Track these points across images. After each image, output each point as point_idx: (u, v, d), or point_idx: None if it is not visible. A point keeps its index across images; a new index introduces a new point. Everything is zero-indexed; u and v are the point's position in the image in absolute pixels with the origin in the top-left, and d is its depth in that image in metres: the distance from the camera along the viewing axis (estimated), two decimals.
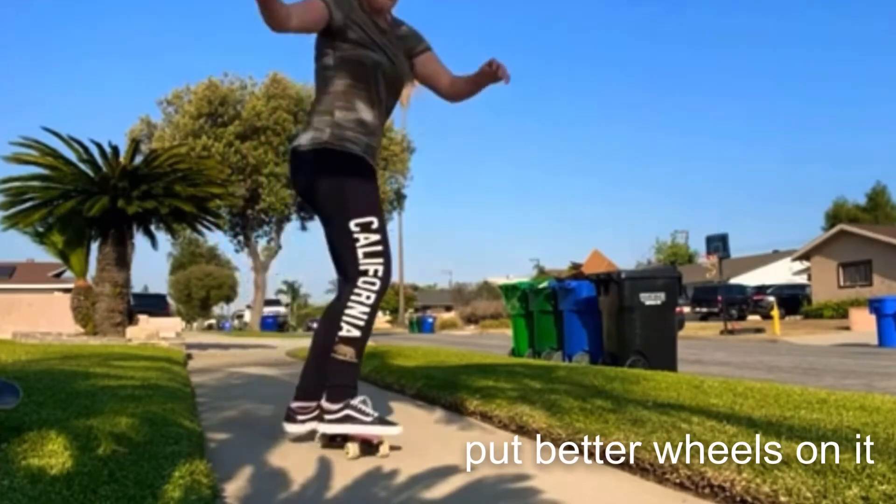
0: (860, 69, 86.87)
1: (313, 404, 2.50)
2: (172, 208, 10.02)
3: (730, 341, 17.93)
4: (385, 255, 2.38)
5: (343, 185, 2.38)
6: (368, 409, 2.35)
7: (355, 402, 2.35)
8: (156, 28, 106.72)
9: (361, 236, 2.35)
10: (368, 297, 2.34)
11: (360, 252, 2.35)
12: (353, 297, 2.35)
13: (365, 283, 2.35)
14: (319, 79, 2.48)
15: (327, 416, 2.36)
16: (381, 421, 2.35)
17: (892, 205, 41.16)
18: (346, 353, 2.35)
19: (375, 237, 2.36)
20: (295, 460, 2.25)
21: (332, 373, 2.37)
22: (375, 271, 2.35)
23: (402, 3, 2.57)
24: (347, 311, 2.35)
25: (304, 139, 2.42)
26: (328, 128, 2.39)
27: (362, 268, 2.35)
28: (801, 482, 1.61)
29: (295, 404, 2.56)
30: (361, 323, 2.35)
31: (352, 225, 2.35)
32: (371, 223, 2.36)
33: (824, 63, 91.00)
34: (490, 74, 2.41)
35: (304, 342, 13.59)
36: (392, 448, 2.36)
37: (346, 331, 2.35)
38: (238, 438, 2.79)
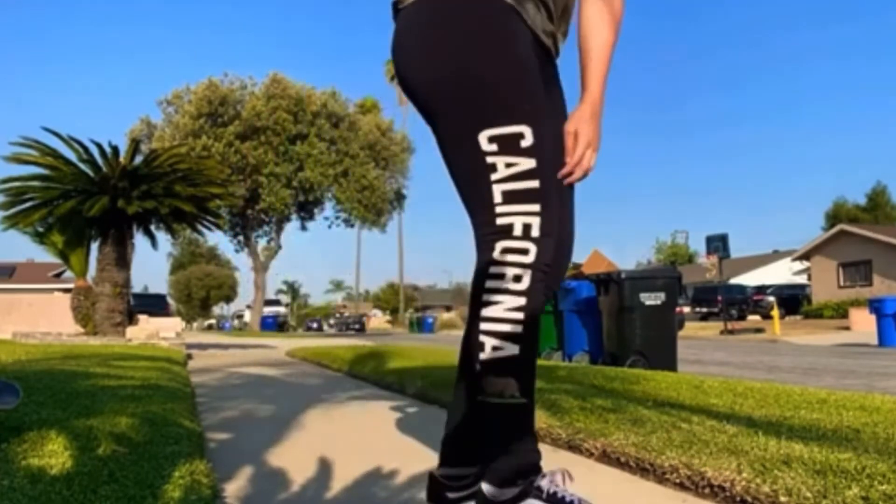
0: (860, 70, 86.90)
1: (472, 472, 1.46)
2: (172, 208, 10.03)
3: (730, 341, 17.93)
4: (544, 198, 1.32)
5: (470, 56, 1.33)
6: (562, 490, 1.37)
7: (544, 482, 1.36)
8: (156, 28, 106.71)
9: (500, 161, 1.31)
10: (518, 278, 1.30)
11: (496, 191, 1.32)
12: (490, 284, 1.32)
13: (508, 251, 1.31)
14: None
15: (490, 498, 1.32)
16: None
17: (892, 205, 41.18)
18: (500, 389, 1.30)
19: (528, 163, 1.31)
20: (295, 460, 2.25)
21: (489, 432, 1.34)
22: (526, 228, 1.31)
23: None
24: (487, 314, 1.32)
25: None
26: None
27: (500, 221, 1.32)
28: (801, 482, 1.61)
29: (441, 471, 1.50)
30: (514, 328, 1.30)
31: (482, 139, 1.32)
32: (519, 136, 1.31)
33: (825, 64, 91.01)
34: (569, 134, 1.44)
35: (303, 342, 13.59)
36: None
37: (491, 348, 1.30)
38: (238, 438, 2.79)
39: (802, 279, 36.32)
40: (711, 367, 8.27)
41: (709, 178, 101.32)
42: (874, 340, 14.28)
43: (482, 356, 1.31)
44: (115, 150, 10.06)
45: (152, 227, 11.25)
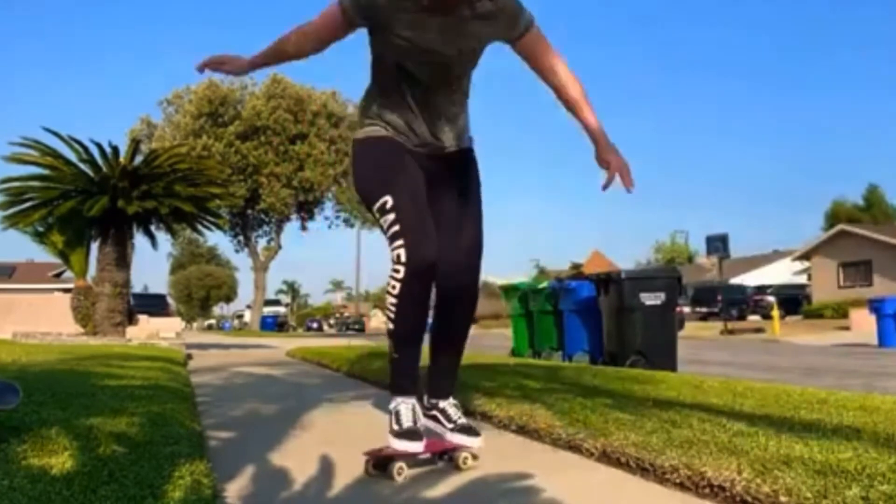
0: (859, 72, 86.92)
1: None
2: (172, 208, 10.03)
3: (730, 341, 17.93)
4: (404, 234, 2.00)
5: (358, 171, 2.19)
6: (406, 412, 2.13)
7: (394, 404, 2.15)
8: (156, 28, 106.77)
9: (382, 221, 2.06)
10: (394, 287, 2.02)
11: (388, 236, 2.05)
12: (387, 288, 2.09)
13: (392, 271, 2.03)
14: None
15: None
16: (406, 434, 2.06)
17: (887, 204, 41.38)
18: (389, 346, 2.17)
19: (391, 217, 2.02)
20: (296, 459, 2.25)
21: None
22: (397, 256, 2.00)
23: None
24: (386, 303, 2.12)
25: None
26: (362, 127, 2.23)
27: (392, 254, 2.03)
28: (801, 482, 1.61)
29: None
30: (390, 314, 2.08)
31: (374, 212, 2.10)
32: (384, 204, 2.04)
33: (823, 65, 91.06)
34: (605, 163, 2.15)
35: (304, 342, 13.59)
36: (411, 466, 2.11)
37: (385, 322, 2.17)
38: (240, 438, 2.79)
39: (802, 279, 36.32)
40: (711, 367, 8.27)
41: (709, 177, 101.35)
42: (874, 340, 14.27)
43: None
44: (115, 150, 10.07)
45: (152, 227, 11.25)
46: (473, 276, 2.25)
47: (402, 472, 1.99)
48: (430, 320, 2.24)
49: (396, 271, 2.01)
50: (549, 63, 2.12)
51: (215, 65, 2.23)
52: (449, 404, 2.25)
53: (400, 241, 2.00)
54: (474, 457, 2.14)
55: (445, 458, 2.17)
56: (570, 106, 2.15)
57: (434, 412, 2.25)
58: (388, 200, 2.04)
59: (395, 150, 2.14)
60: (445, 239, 2.14)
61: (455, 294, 2.23)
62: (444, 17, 1.97)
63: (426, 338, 2.23)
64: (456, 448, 2.14)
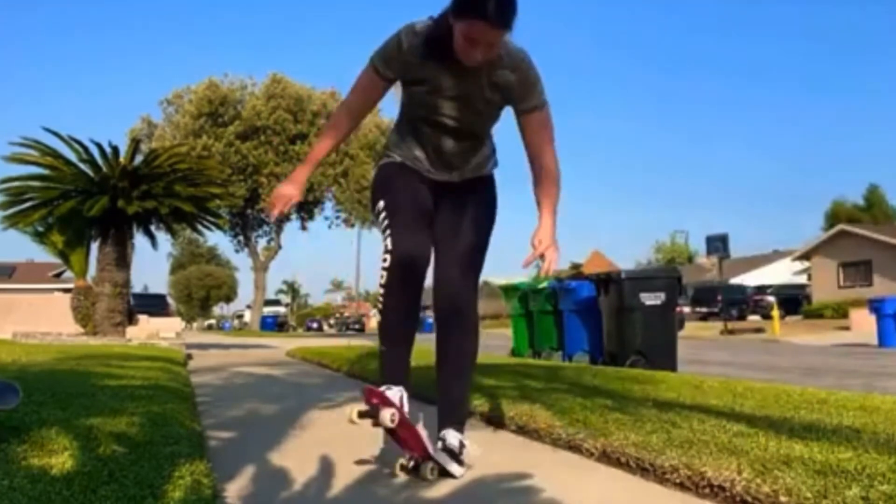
0: (858, 73, 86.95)
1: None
2: (172, 208, 10.03)
3: (730, 341, 17.93)
4: (392, 226, 2.17)
5: (371, 191, 2.42)
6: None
7: (382, 388, 2.12)
8: (156, 28, 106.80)
9: (380, 224, 2.25)
10: (382, 276, 2.14)
11: (381, 228, 2.23)
12: (379, 280, 2.18)
13: (381, 261, 2.16)
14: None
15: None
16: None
17: (887, 203, 41.40)
18: (379, 339, 2.27)
19: (383, 214, 2.23)
20: (296, 459, 2.25)
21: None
22: (385, 247, 2.16)
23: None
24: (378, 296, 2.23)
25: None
26: (385, 153, 2.43)
27: (383, 243, 2.19)
28: (801, 482, 1.61)
29: None
30: (380, 305, 2.19)
31: (377, 219, 2.29)
32: (380, 206, 2.26)
33: (823, 66, 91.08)
34: (537, 241, 2.20)
35: (304, 342, 13.59)
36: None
37: (376, 315, 2.32)
38: (240, 438, 2.79)
39: (802, 279, 36.30)
40: (711, 367, 8.27)
41: (709, 177, 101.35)
42: (874, 340, 14.27)
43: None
44: (115, 149, 10.06)
45: (152, 227, 11.25)
46: (466, 294, 2.26)
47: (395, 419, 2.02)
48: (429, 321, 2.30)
49: (384, 260, 2.14)
50: (540, 149, 2.23)
51: (286, 200, 2.35)
52: (452, 435, 2.13)
53: (388, 233, 2.17)
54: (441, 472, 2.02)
55: (412, 464, 2.07)
56: (537, 198, 2.25)
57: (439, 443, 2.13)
58: (382, 202, 2.24)
59: (403, 168, 2.31)
60: (444, 251, 2.27)
61: (448, 312, 2.27)
62: (464, 80, 2.10)
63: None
64: (432, 460, 2.04)
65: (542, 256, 2.18)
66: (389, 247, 2.13)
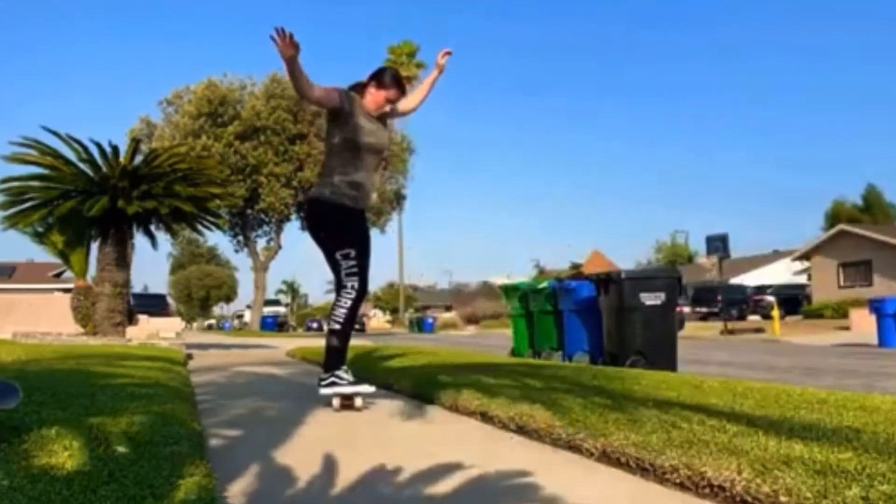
0: (857, 73, 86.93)
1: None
2: (172, 208, 10.02)
3: (730, 341, 17.93)
4: (359, 275, 3.45)
5: (333, 227, 3.49)
6: (347, 376, 3.45)
7: (340, 371, 3.46)
8: (156, 28, 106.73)
9: (343, 262, 3.44)
10: (345, 303, 3.46)
11: (343, 273, 3.44)
12: (337, 303, 3.48)
13: (345, 293, 3.46)
14: (326, 150, 3.64)
15: (321, 382, 3.50)
16: (355, 383, 3.47)
17: (886, 202, 41.38)
18: (332, 341, 3.50)
19: (352, 263, 3.44)
20: (297, 459, 2.25)
21: (325, 353, 3.56)
22: (352, 286, 3.46)
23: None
24: (333, 312, 3.48)
25: (313, 193, 3.60)
26: (327, 188, 3.51)
27: (344, 283, 3.45)
28: (801, 482, 1.61)
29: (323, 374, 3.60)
30: (342, 320, 3.46)
31: (338, 255, 3.45)
32: (349, 253, 3.44)
33: (822, 67, 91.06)
34: (440, 65, 3.77)
35: (303, 342, 13.59)
36: (366, 400, 3.54)
37: (333, 325, 3.49)
38: (240, 437, 2.79)
39: (802, 279, 36.30)
40: (711, 367, 8.27)
41: (709, 177, 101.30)
42: (874, 340, 14.27)
43: (328, 327, 3.57)
44: (115, 149, 10.06)
45: (152, 227, 11.24)
46: None
47: (362, 403, 3.49)
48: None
49: (350, 294, 3.46)
50: (413, 101, 3.93)
51: (290, 43, 3.09)
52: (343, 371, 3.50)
53: (356, 278, 3.46)
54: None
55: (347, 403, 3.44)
56: (421, 97, 3.94)
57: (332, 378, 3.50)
58: (352, 252, 3.46)
59: (356, 219, 3.57)
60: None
61: None
62: (380, 122, 3.65)
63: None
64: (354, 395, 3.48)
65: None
66: (356, 287, 3.45)
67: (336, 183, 3.47)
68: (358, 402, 3.44)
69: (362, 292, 3.46)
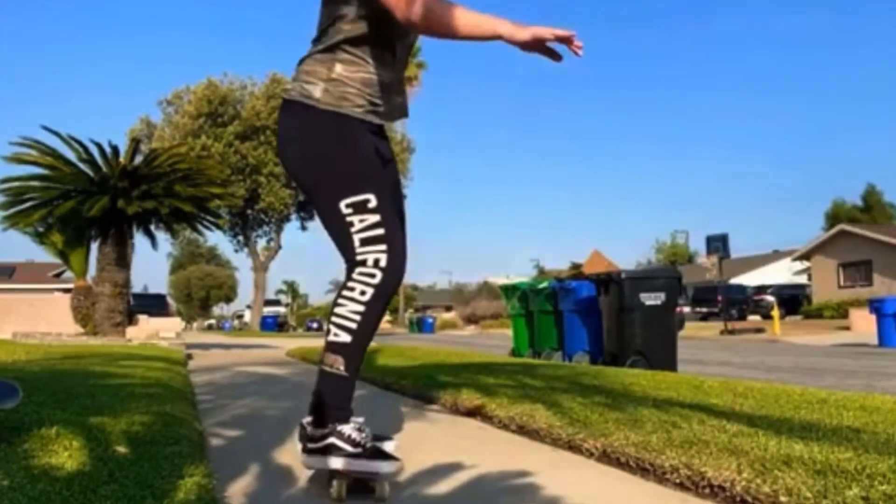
0: (857, 72, 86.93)
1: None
2: (172, 208, 10.03)
3: (730, 341, 17.93)
4: (388, 241, 1.85)
5: (330, 155, 1.91)
6: (361, 437, 1.80)
7: (346, 427, 1.81)
8: (156, 28, 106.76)
9: (356, 219, 1.86)
10: (363, 293, 1.83)
11: (356, 239, 1.86)
12: (343, 293, 1.86)
13: (361, 274, 1.84)
14: (323, 30, 1.96)
15: (309, 445, 1.85)
16: (375, 453, 1.79)
17: (887, 202, 41.42)
18: (332, 362, 1.85)
19: (374, 218, 1.85)
20: (298, 459, 2.25)
21: (318, 386, 1.88)
22: (376, 261, 1.83)
23: None
24: (336, 311, 1.86)
25: (290, 93, 1.98)
26: (319, 86, 1.92)
27: (359, 257, 1.85)
28: (801, 482, 1.61)
29: (306, 420, 1.92)
30: (352, 325, 1.83)
31: (342, 207, 1.86)
32: (365, 202, 1.85)
33: (823, 65, 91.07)
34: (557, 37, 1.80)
35: (303, 342, 13.60)
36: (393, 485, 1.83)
37: (334, 334, 1.85)
38: (241, 438, 2.79)
39: (802, 279, 36.32)
40: (711, 368, 8.28)
41: (709, 177, 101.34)
42: (874, 340, 14.27)
43: (328, 338, 1.87)
44: (115, 149, 10.07)
45: (152, 227, 11.25)
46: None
47: (387, 491, 1.78)
48: None
49: (371, 276, 1.83)
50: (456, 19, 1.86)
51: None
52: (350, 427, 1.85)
53: (383, 247, 1.85)
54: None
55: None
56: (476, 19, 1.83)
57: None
58: (371, 199, 1.86)
59: (370, 141, 1.97)
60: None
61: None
62: None
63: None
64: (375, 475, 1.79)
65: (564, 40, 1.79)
66: (384, 263, 1.84)
67: (337, 77, 1.92)
68: (381, 489, 1.77)
69: (393, 275, 1.86)
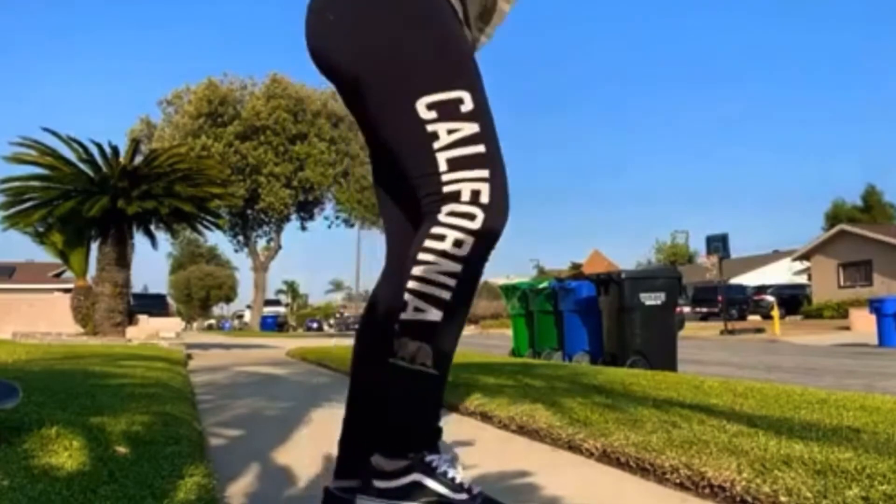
0: (857, 72, 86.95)
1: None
2: (172, 208, 10.04)
3: (730, 341, 17.93)
4: (492, 165, 1.23)
5: (401, 28, 1.25)
6: (460, 476, 1.26)
7: (437, 459, 1.25)
8: (156, 28, 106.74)
9: (442, 128, 1.21)
10: (459, 244, 1.19)
11: (440, 158, 1.21)
12: (427, 244, 1.21)
13: (453, 215, 1.21)
14: None
15: (378, 484, 1.23)
16: (480, 500, 1.26)
17: (886, 202, 41.44)
18: (413, 353, 1.20)
19: (471, 128, 1.22)
20: (298, 459, 2.25)
21: (390, 400, 1.25)
22: (475, 194, 1.21)
23: None
24: (415, 273, 1.21)
25: None
26: None
27: (447, 187, 1.21)
28: (801, 482, 1.60)
29: (335, 485, 1.43)
30: (444, 294, 1.19)
31: (420, 107, 1.21)
32: (459, 101, 1.22)
33: (822, 65, 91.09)
34: None
35: (304, 342, 13.60)
36: None
37: (414, 309, 1.20)
38: (241, 438, 2.79)
39: (802, 279, 36.33)
40: (711, 368, 8.27)
41: (709, 177, 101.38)
42: (874, 340, 14.27)
43: (403, 315, 1.21)
44: (115, 150, 10.08)
45: (152, 227, 11.26)
46: None
47: None
48: None
49: (470, 217, 1.20)
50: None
51: None
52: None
53: (483, 172, 1.22)
54: None
55: None
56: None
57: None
58: (468, 99, 1.23)
59: (460, 23, 1.36)
60: None
61: None
62: None
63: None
64: None
65: None
66: (487, 198, 1.21)
67: None
68: None
69: (500, 217, 1.23)
